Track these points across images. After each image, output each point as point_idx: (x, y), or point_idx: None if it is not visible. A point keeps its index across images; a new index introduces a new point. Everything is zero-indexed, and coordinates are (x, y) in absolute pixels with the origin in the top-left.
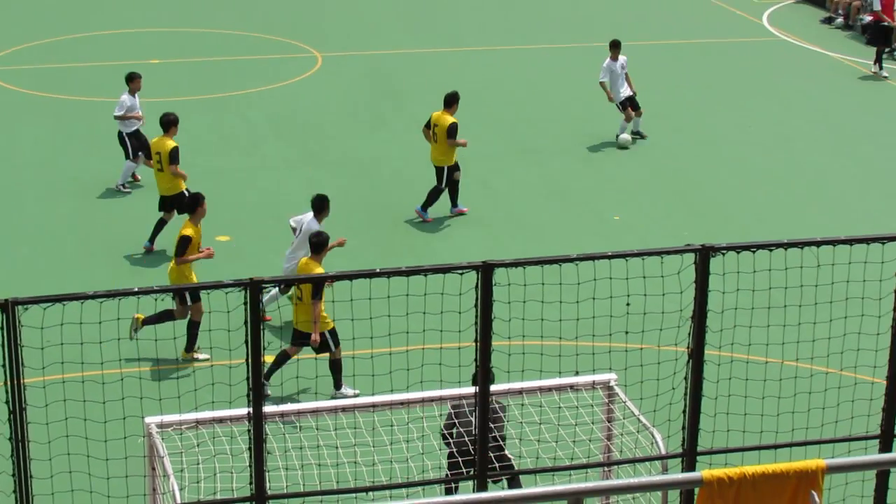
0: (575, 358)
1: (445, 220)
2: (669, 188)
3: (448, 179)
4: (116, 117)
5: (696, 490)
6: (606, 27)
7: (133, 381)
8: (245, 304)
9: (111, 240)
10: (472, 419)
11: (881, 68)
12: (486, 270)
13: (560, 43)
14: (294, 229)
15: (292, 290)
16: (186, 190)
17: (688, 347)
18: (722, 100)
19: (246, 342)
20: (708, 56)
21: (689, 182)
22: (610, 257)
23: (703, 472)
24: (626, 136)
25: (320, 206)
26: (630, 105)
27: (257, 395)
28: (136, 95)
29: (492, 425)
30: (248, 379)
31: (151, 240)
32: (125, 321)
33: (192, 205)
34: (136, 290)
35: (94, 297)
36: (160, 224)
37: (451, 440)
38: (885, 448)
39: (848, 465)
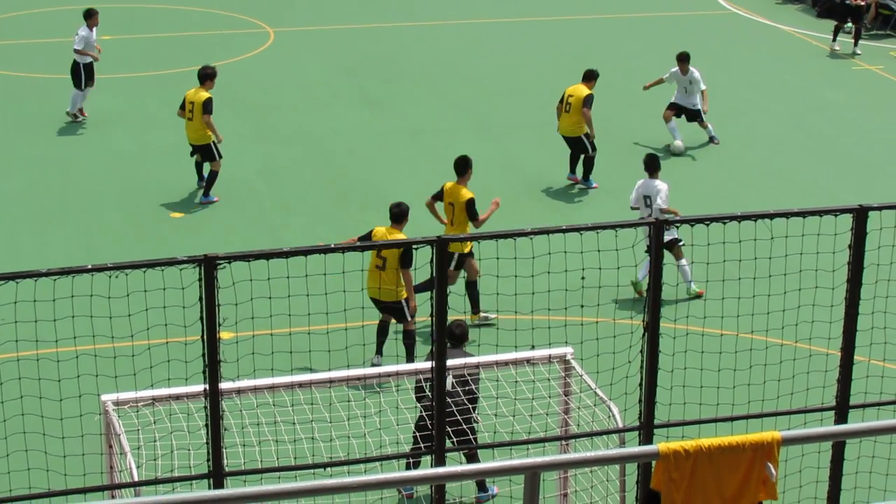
0: (531, 332)
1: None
2: (624, 162)
3: (591, 145)
4: (76, 51)
5: (653, 463)
6: (558, 2)
7: (88, 358)
8: (200, 280)
9: (63, 215)
10: (449, 387)
11: (835, 41)
12: (440, 245)
13: (513, 17)
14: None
15: (371, 258)
16: (213, 143)
17: (643, 321)
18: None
19: (201, 319)
20: (661, 30)
21: (643, 156)
22: (564, 231)
23: (660, 445)
24: (678, 143)
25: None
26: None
27: (213, 372)
28: (94, 30)
29: (465, 397)
30: (203, 355)
31: (206, 193)
32: (79, 298)
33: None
34: (90, 266)
35: (47, 274)
36: (212, 176)
37: (422, 405)
38: (840, 419)
39: (803, 436)
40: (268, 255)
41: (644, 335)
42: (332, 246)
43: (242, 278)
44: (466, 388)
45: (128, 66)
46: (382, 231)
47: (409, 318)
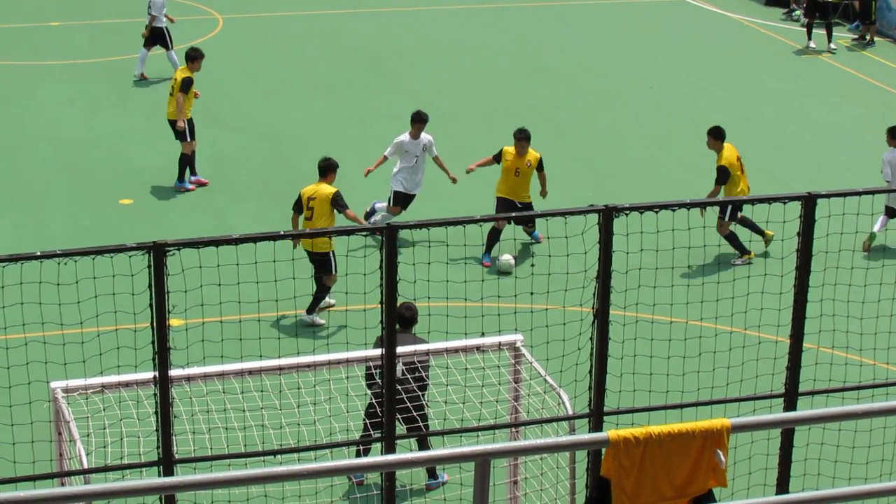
0: (481, 319)
1: (350, 184)
2: (572, 149)
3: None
4: (152, 16)
5: (603, 450)
6: None
7: (37, 345)
8: (149, 267)
9: (12, 201)
10: (399, 374)
11: (829, 41)
12: (390, 232)
13: (462, 4)
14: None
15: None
16: (188, 120)
17: (593, 308)
18: (622, 60)
19: (151, 306)
20: (607, 16)
21: (592, 143)
22: (514, 218)
23: (610, 432)
24: (507, 258)
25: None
26: None
27: (163, 359)
28: None
29: (414, 384)
30: (153, 342)
31: (181, 177)
32: (28, 285)
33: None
34: (38, 253)
35: None
36: (182, 159)
37: (372, 392)
38: (789, 406)
39: (753, 423)
40: (217, 242)
41: (594, 322)
42: (282, 233)
43: (192, 265)
44: (416, 374)
45: (76, 52)
46: (311, 187)
47: (333, 273)
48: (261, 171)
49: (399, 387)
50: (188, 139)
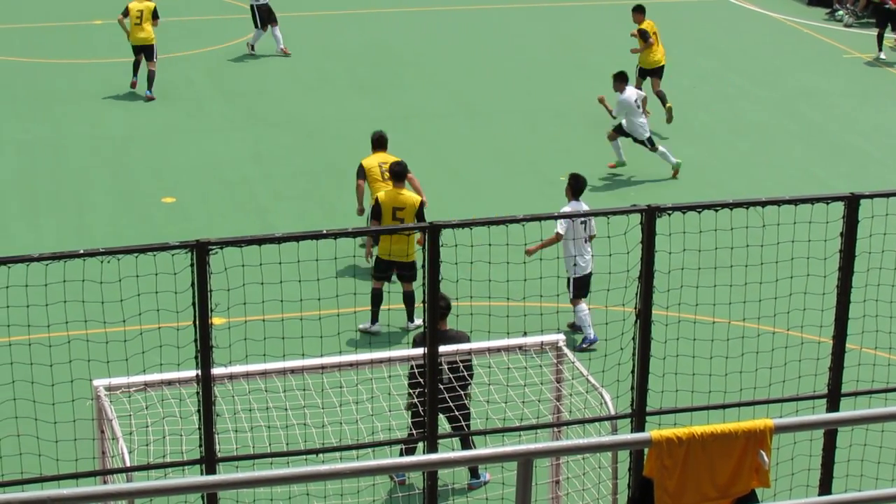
0: (523, 319)
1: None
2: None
3: None
4: None
5: (646, 450)
6: None
7: (80, 343)
8: (192, 265)
9: (55, 200)
10: (443, 374)
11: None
12: (433, 231)
13: (504, 3)
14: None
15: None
16: (154, 44)
17: (635, 308)
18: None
19: (193, 304)
20: (649, 15)
21: (631, 143)
22: (556, 217)
23: (652, 432)
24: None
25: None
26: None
27: (205, 357)
28: None
29: (457, 384)
30: (195, 341)
31: (150, 87)
32: (71, 283)
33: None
34: (82, 251)
35: (39, 259)
36: (152, 75)
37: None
38: (832, 407)
39: (796, 424)
40: (260, 241)
41: (636, 322)
42: (325, 232)
43: (234, 264)
44: (458, 374)
45: (118, 50)
46: (390, 195)
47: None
48: (303, 169)
49: (441, 385)
50: (155, 58)
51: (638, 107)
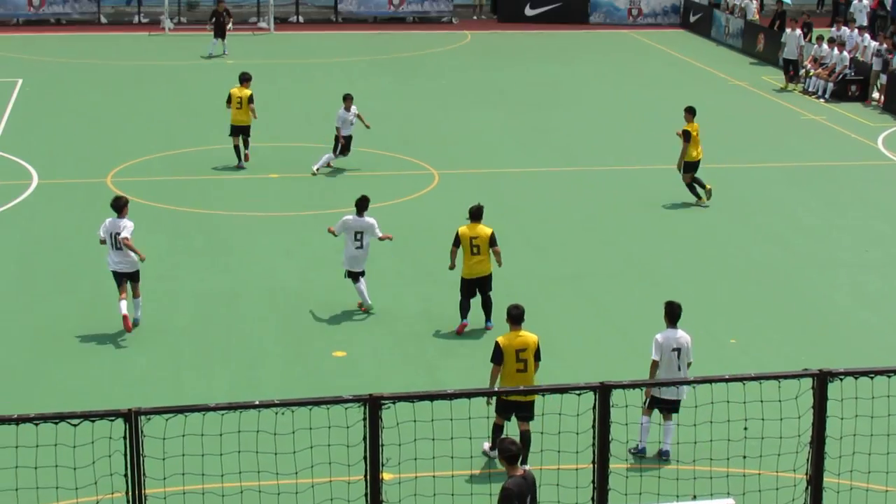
0: (692, 482)
1: (563, 344)
2: (786, 312)
3: None
4: (337, 128)
5: None
6: (720, 149)
7: (253, 494)
8: (364, 420)
9: (228, 350)
10: None
11: None
12: (603, 392)
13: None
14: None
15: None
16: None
17: (806, 474)
18: (838, 222)
19: (365, 458)
20: (823, 179)
21: (806, 305)
22: (727, 380)
23: None
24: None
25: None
26: None
27: None
28: (351, 109)
29: None
30: (366, 496)
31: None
32: (245, 433)
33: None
34: (258, 402)
35: (215, 409)
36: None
37: None
38: None
39: None
40: (432, 397)
41: (807, 489)
42: (496, 389)
43: (406, 419)
44: None
45: (293, 204)
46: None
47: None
48: (471, 325)
49: None
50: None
51: None
